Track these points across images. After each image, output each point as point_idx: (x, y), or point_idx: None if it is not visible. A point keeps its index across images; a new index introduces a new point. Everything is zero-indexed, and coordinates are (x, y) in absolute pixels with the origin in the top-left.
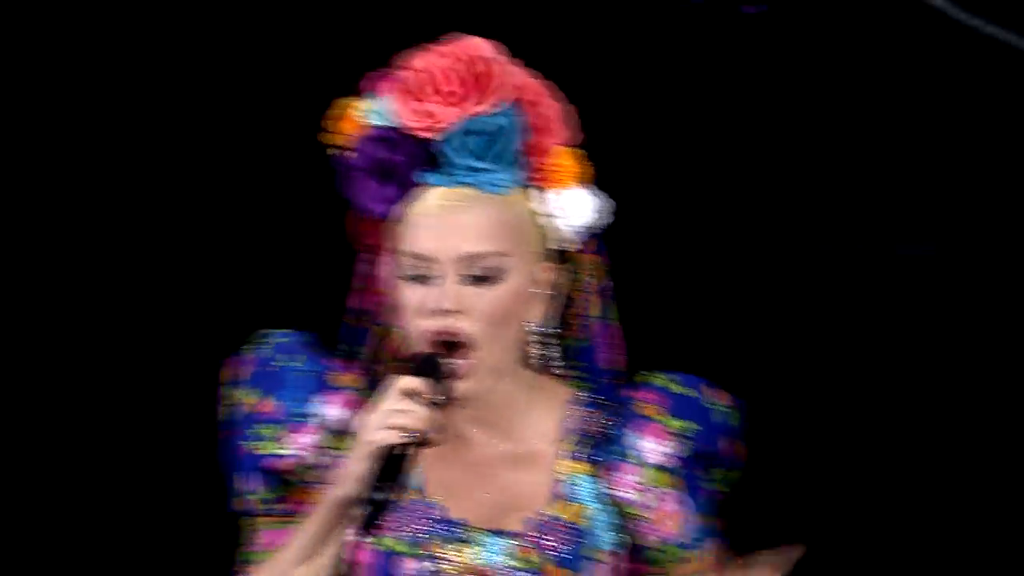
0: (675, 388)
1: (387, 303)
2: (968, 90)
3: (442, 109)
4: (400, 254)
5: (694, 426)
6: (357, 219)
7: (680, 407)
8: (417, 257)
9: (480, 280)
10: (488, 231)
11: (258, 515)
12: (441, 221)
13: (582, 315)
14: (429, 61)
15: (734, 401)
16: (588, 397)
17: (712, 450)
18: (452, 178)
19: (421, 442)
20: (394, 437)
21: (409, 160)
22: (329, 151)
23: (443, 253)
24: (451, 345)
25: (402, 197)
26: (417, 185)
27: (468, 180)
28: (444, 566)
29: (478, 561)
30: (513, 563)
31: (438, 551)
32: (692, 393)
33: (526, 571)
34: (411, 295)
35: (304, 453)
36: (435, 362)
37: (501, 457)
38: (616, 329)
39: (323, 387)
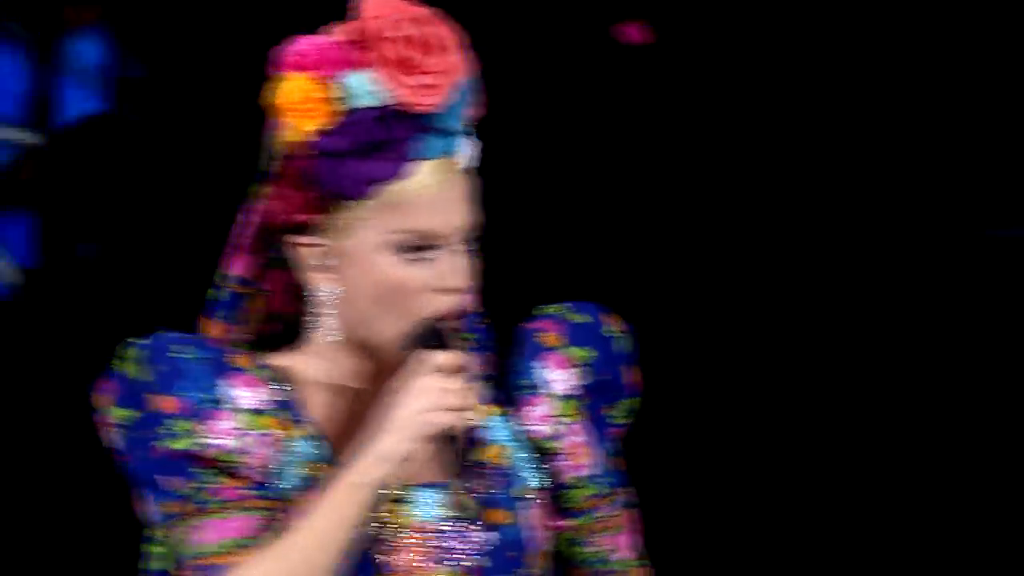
0: (572, 317)
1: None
2: None
3: (437, 79)
4: (396, 232)
5: (594, 353)
6: (298, 198)
7: (579, 335)
8: (422, 234)
9: (467, 250)
10: (473, 200)
11: (195, 512)
12: (441, 196)
13: None
14: (394, 29)
15: (627, 327)
16: (479, 340)
17: (612, 378)
18: (440, 149)
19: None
20: (455, 419)
21: (406, 137)
22: (292, 137)
23: (449, 228)
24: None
25: (391, 175)
26: (407, 160)
27: (454, 148)
28: (383, 527)
29: (414, 517)
30: (450, 513)
31: (373, 514)
32: (589, 320)
33: (464, 520)
34: (411, 273)
35: (224, 439)
36: (447, 332)
37: None
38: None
39: (223, 371)
